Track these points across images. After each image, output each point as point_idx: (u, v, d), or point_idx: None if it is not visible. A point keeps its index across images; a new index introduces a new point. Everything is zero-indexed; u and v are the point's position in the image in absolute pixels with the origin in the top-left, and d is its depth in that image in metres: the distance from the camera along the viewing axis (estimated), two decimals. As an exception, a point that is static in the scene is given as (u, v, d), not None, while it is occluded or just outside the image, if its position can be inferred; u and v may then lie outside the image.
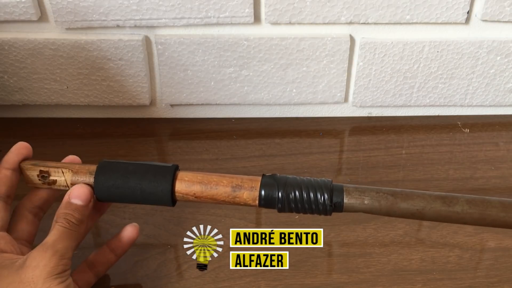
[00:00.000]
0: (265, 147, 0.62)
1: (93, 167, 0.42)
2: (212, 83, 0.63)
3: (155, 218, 0.52)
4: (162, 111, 0.66)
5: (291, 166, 0.59)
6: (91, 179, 0.41)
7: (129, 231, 0.44)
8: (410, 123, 0.66)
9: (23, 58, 0.60)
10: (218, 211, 0.52)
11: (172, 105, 0.66)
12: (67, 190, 0.42)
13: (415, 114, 0.67)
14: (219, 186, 0.40)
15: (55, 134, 0.64)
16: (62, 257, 0.38)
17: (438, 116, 0.67)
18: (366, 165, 0.59)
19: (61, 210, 0.40)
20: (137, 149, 0.62)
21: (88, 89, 0.63)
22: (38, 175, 0.42)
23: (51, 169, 0.42)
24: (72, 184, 0.41)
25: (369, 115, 0.67)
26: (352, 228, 0.51)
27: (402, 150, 0.61)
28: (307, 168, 0.59)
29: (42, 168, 0.42)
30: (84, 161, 0.60)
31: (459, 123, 0.66)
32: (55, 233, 0.39)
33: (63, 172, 0.42)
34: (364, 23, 0.59)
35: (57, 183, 0.42)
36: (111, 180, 0.41)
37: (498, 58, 0.61)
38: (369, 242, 0.50)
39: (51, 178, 0.42)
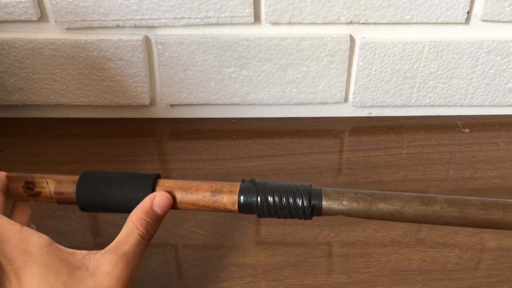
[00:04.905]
0: (265, 147, 0.62)
1: (76, 177, 0.42)
2: (212, 83, 0.63)
3: (155, 218, 0.52)
4: (162, 111, 0.66)
5: (291, 166, 0.59)
6: (74, 188, 0.41)
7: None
8: (410, 123, 0.66)
9: (23, 58, 0.60)
10: (218, 211, 0.52)
11: (172, 105, 0.66)
12: (51, 202, 0.41)
13: (415, 114, 0.67)
14: (199, 191, 0.40)
15: (55, 134, 0.64)
16: (133, 268, 0.37)
17: (438, 116, 0.67)
18: (366, 165, 0.59)
19: (142, 215, 0.38)
20: (137, 149, 0.62)
21: (88, 89, 0.63)
22: (23, 187, 0.41)
23: (36, 179, 0.41)
24: (56, 195, 0.41)
25: (369, 115, 0.67)
26: (352, 228, 0.51)
27: (402, 150, 0.61)
28: (307, 168, 0.59)
29: (27, 179, 0.41)
30: (84, 161, 0.60)
31: (459, 123, 0.66)
32: (133, 241, 0.37)
33: (47, 183, 0.41)
34: (364, 23, 0.59)
35: (42, 195, 0.41)
36: (93, 187, 0.41)
37: (498, 58, 0.61)
38: (369, 242, 0.50)
39: (36, 190, 0.41)
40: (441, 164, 0.59)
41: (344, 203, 0.38)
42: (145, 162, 0.60)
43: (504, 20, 0.59)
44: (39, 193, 0.41)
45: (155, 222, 0.39)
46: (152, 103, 0.65)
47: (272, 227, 0.51)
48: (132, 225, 0.38)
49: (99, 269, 0.36)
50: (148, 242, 0.39)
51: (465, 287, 0.45)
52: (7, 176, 0.42)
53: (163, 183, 0.41)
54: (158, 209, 0.39)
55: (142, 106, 0.65)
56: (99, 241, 0.50)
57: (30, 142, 0.63)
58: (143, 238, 0.38)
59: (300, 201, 0.39)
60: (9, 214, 0.42)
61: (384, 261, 0.48)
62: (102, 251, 0.37)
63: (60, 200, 0.42)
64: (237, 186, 0.40)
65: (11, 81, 0.62)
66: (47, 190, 0.41)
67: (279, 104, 0.65)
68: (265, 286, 0.46)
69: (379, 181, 0.57)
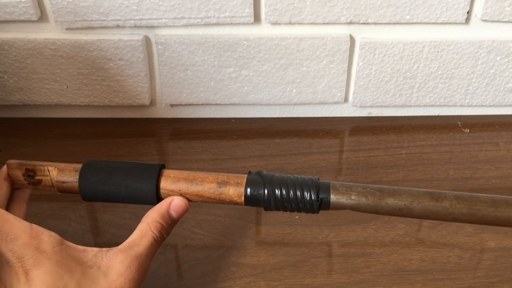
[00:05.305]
0: (265, 147, 0.62)
1: (79, 165, 0.41)
2: (212, 83, 0.63)
3: (155, 218, 0.52)
4: (162, 111, 0.66)
5: (291, 166, 0.59)
6: (76, 176, 0.40)
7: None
8: (410, 123, 0.66)
9: (23, 58, 0.60)
10: (218, 211, 0.52)
11: (172, 105, 0.66)
12: (52, 191, 0.41)
13: (415, 114, 0.67)
14: (204, 182, 0.39)
15: (55, 134, 0.64)
16: (144, 270, 0.37)
17: (438, 116, 0.67)
18: (366, 165, 0.59)
19: (157, 218, 0.38)
20: (137, 149, 0.62)
21: (88, 89, 0.63)
22: (24, 174, 0.41)
23: (37, 167, 0.40)
24: (58, 183, 0.40)
25: (369, 115, 0.67)
26: (352, 228, 0.51)
27: (402, 150, 0.61)
28: (307, 168, 0.59)
29: (28, 166, 0.40)
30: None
31: (459, 123, 0.66)
32: (146, 243, 0.37)
33: (49, 170, 0.40)
34: (364, 23, 0.59)
35: (43, 183, 0.41)
36: (96, 176, 0.40)
37: (498, 58, 0.61)
38: (369, 242, 0.50)
39: (37, 177, 0.40)
40: (441, 164, 0.59)
41: (353, 197, 0.38)
42: (145, 162, 0.60)
43: (504, 20, 0.59)
44: (40, 181, 0.41)
45: (169, 226, 0.39)
46: (152, 103, 0.65)
47: (272, 227, 0.51)
48: (147, 227, 0.38)
49: (111, 268, 0.36)
50: (159, 245, 0.39)
51: (465, 287, 0.45)
52: (7, 163, 0.41)
53: (168, 173, 0.40)
54: (174, 213, 0.39)
55: (142, 106, 0.65)
56: (99, 241, 0.50)
57: (30, 142, 0.63)
58: (156, 241, 0.38)
59: (308, 194, 0.38)
60: (6, 208, 0.41)
61: (384, 261, 0.48)
62: (115, 250, 0.37)
63: (62, 189, 0.41)
64: (243, 178, 0.39)
65: (11, 81, 0.62)
66: (48, 178, 0.40)
67: (279, 104, 0.65)
68: (265, 286, 0.46)
69: (379, 181, 0.57)
